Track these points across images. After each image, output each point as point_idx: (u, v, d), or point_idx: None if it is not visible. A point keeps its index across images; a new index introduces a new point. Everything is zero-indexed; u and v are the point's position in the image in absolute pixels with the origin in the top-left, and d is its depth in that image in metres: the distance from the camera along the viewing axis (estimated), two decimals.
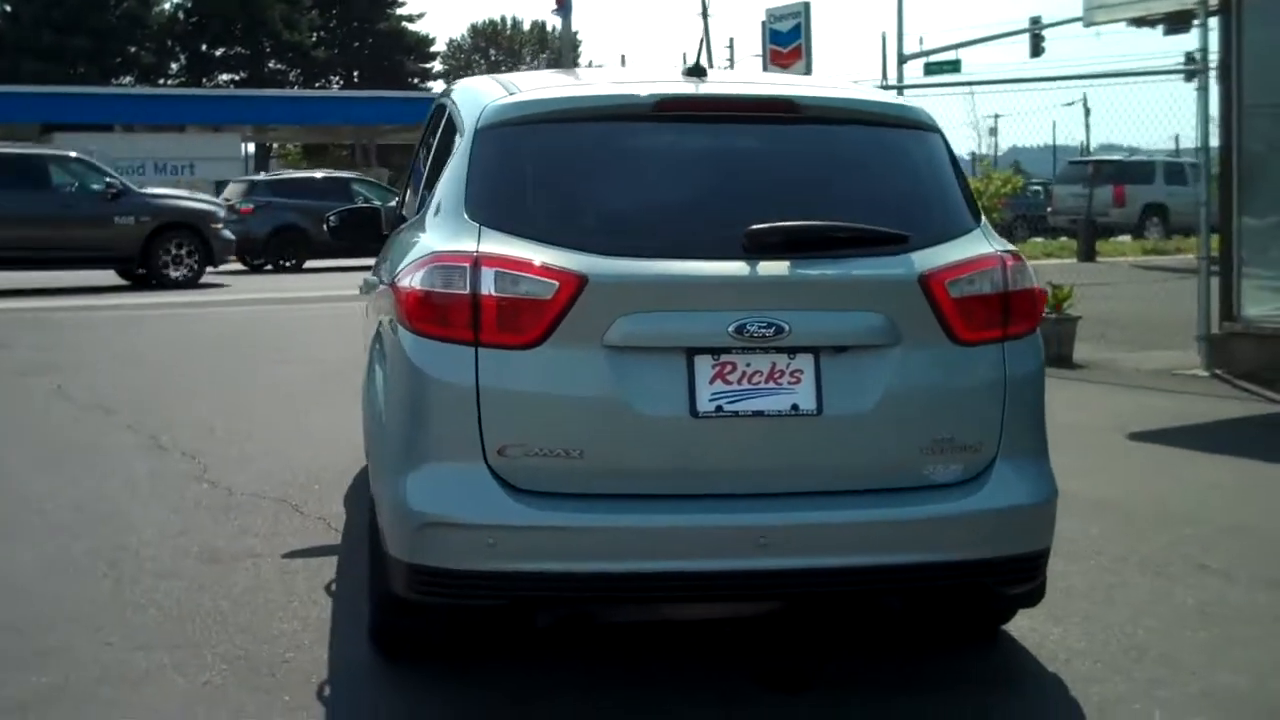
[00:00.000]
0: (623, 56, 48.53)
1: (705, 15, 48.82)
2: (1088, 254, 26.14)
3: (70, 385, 10.62)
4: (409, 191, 6.09)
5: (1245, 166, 11.14)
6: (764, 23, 31.55)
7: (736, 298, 4.01)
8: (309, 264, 26.46)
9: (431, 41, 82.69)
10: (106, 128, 42.55)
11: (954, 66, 26.57)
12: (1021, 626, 4.84)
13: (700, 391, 3.98)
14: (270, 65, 72.65)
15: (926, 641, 4.83)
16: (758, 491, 4.04)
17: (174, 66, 72.04)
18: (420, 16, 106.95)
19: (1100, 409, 9.49)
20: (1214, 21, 11.53)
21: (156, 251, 21.57)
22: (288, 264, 26.87)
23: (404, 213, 5.88)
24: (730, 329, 3.96)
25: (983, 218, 4.45)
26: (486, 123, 4.36)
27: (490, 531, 3.95)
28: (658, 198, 4.34)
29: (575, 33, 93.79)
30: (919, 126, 4.53)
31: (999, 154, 50.50)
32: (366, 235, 6.52)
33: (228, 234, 22.48)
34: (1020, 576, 4.29)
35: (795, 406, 4.01)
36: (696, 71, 4.58)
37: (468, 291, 3.98)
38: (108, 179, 21.89)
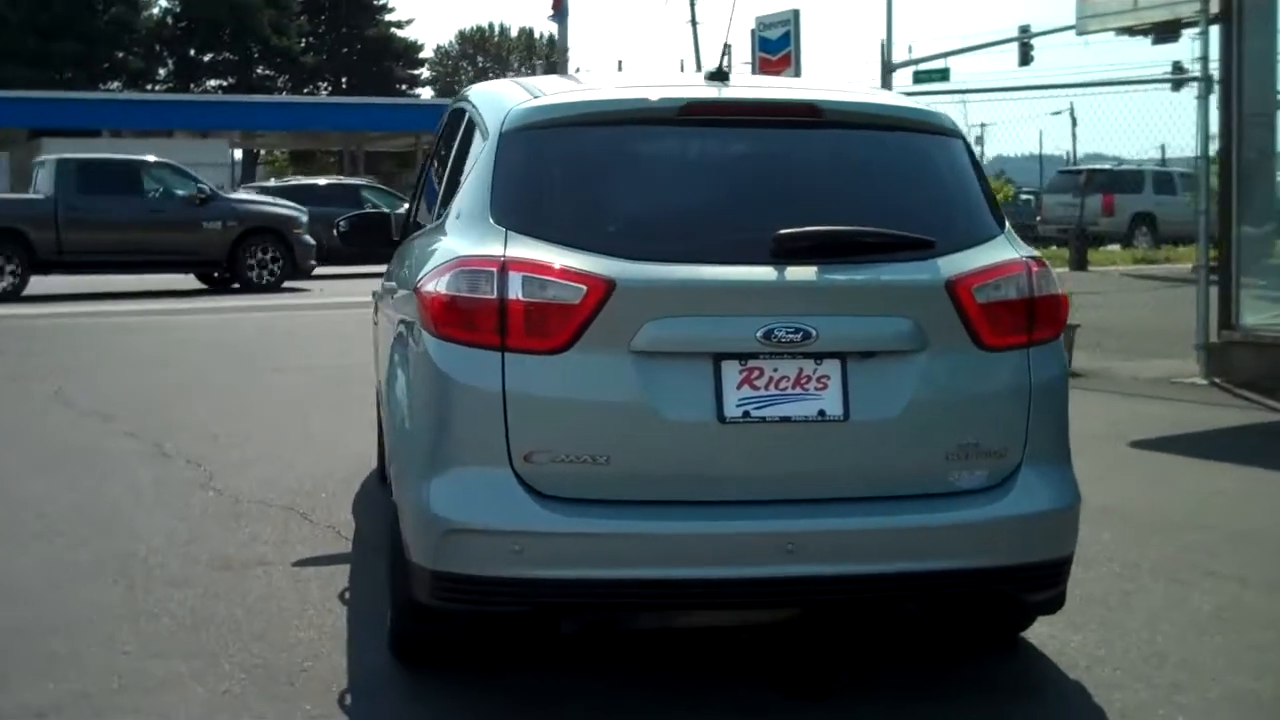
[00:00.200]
0: (619, 63, 48.72)
1: (694, 24, 49.02)
2: (1079, 263, 26.20)
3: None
4: (422, 198, 6.05)
5: (1244, 175, 11.16)
6: (753, 30, 31.60)
7: (764, 302, 4.00)
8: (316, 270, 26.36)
9: (420, 48, 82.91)
10: (94, 133, 42.53)
11: (943, 75, 26.60)
12: (1040, 634, 4.83)
13: (727, 397, 3.97)
14: (258, 71, 72.67)
15: (946, 648, 4.82)
16: (784, 498, 4.03)
17: (162, 72, 72.00)
18: (409, 23, 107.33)
19: (1100, 417, 9.48)
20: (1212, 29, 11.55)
21: (242, 256, 22.05)
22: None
23: (418, 219, 5.86)
24: (758, 334, 3.95)
25: (1006, 223, 4.45)
26: (511, 126, 4.34)
27: (516, 538, 3.93)
28: (684, 202, 4.33)
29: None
30: (942, 131, 4.53)
31: (984, 163, 50.54)
32: (377, 240, 6.51)
33: (309, 239, 22.63)
34: (1044, 583, 4.28)
35: (822, 412, 4.00)
36: (719, 75, 4.58)
37: (495, 296, 3.96)
38: (197, 184, 22.47)
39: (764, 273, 4.02)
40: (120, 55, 68.76)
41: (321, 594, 5.41)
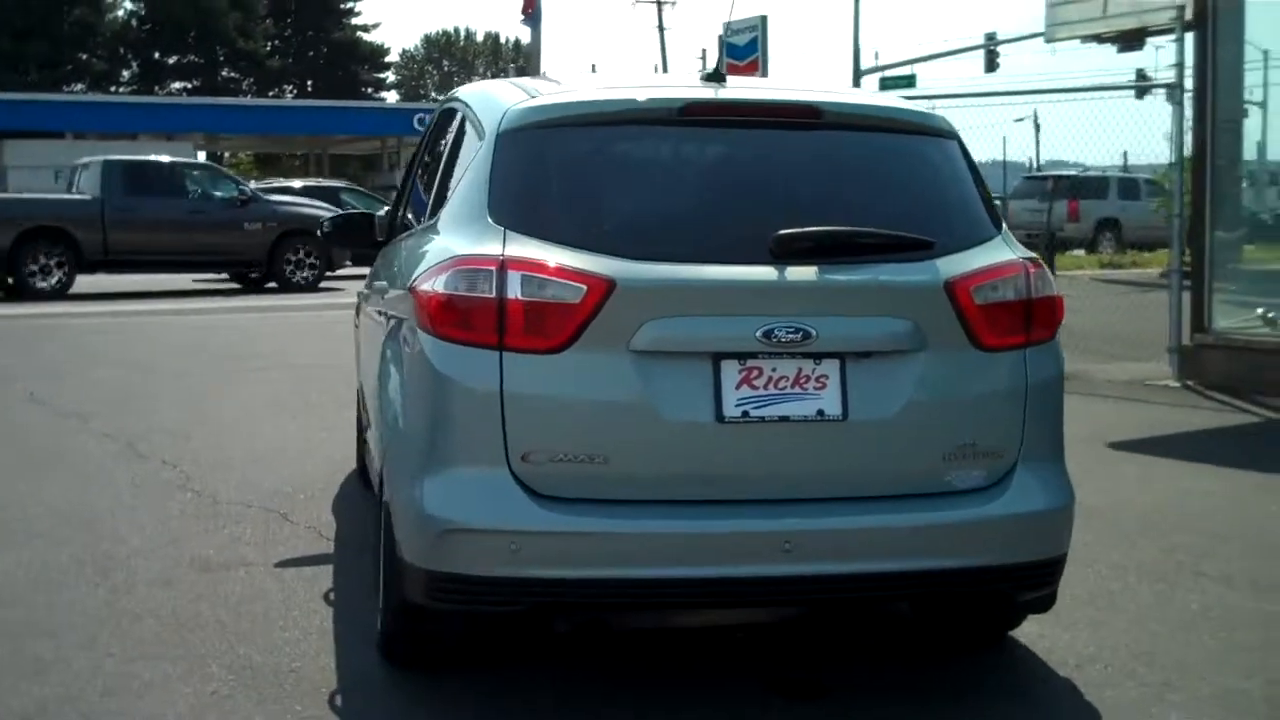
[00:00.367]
0: (593, 65, 48.80)
1: (661, 29, 48.98)
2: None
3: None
4: (409, 198, 6.01)
5: (1217, 181, 11.24)
6: (721, 36, 31.66)
7: (764, 302, 3.99)
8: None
9: (386, 52, 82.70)
10: (58, 135, 42.17)
11: (909, 81, 26.71)
12: (1030, 633, 4.84)
13: (726, 397, 3.96)
14: (223, 74, 72.32)
15: (937, 648, 4.82)
16: (783, 497, 4.03)
17: (126, 74, 71.52)
18: (375, 27, 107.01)
19: (1078, 419, 9.40)
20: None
21: (281, 256, 22.44)
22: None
23: (406, 220, 5.81)
24: (758, 334, 3.94)
25: (1004, 225, 4.46)
26: (509, 126, 4.31)
27: (513, 537, 3.91)
28: (683, 202, 4.32)
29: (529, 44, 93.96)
30: (939, 133, 4.54)
31: None
32: (361, 241, 6.47)
33: None
34: (1039, 582, 4.29)
35: (821, 412, 4.00)
36: (716, 76, 4.56)
37: (493, 295, 3.93)
38: (239, 186, 23.22)
39: (763, 273, 4.01)
40: (84, 57, 68.33)
41: (306, 594, 5.36)
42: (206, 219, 22.12)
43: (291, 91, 75.64)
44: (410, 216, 5.79)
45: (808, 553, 3.98)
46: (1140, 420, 9.52)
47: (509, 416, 3.92)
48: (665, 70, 49.02)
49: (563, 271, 3.93)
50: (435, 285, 4.09)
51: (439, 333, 4.04)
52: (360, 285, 6.87)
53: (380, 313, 5.40)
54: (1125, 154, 33.32)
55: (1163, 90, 21.95)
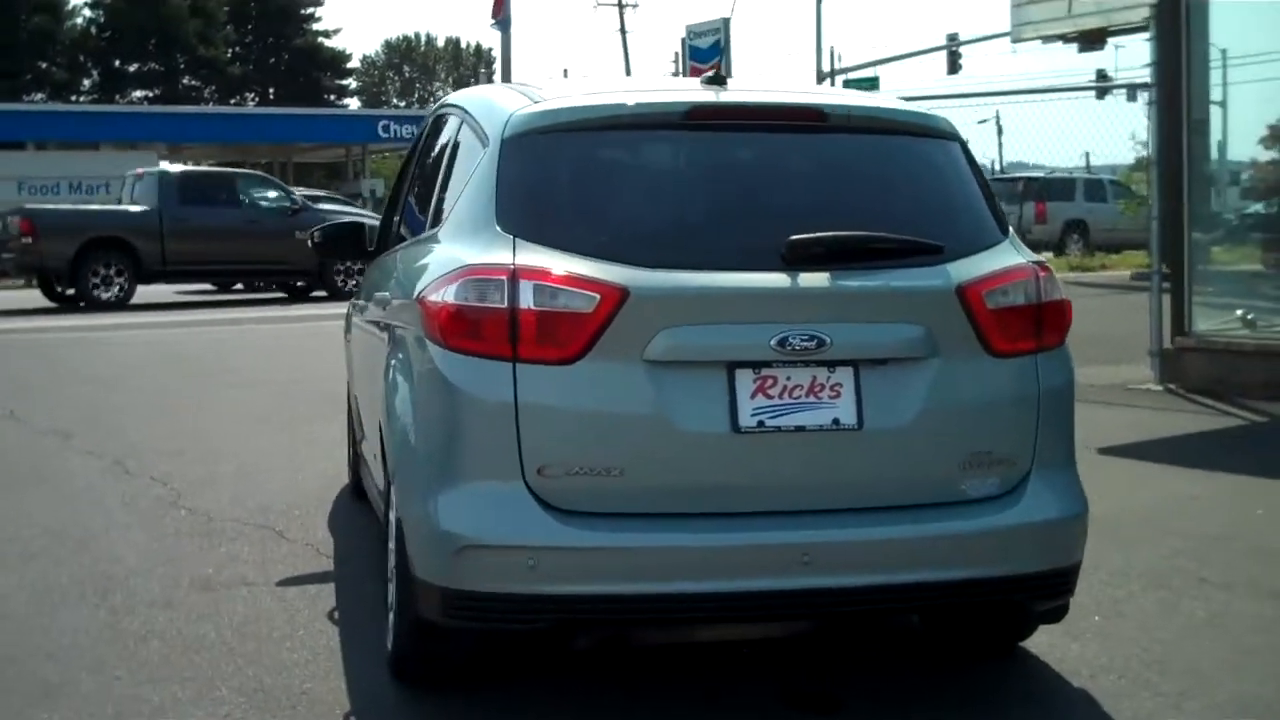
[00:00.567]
0: (565, 70, 48.61)
1: (623, 33, 49.00)
2: None
3: None
4: (402, 208, 5.96)
5: (1194, 182, 11.28)
6: (684, 39, 31.70)
7: (778, 310, 3.97)
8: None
9: (347, 58, 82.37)
10: (19, 145, 41.81)
11: (872, 84, 26.80)
12: (1040, 643, 4.83)
13: (742, 406, 3.93)
14: (185, 81, 71.84)
15: (950, 659, 4.81)
16: (799, 508, 4.00)
17: (86, 83, 70.97)
18: (336, 33, 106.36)
19: None
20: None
21: (331, 265, 22.76)
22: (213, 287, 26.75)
23: (400, 230, 5.77)
24: (772, 342, 3.91)
25: (1010, 229, 4.46)
26: (514, 132, 4.27)
27: (531, 553, 3.87)
28: (692, 207, 4.30)
29: (490, 50, 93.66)
30: (943, 135, 4.52)
31: None
32: (352, 251, 6.43)
33: None
34: (1055, 591, 4.29)
35: (836, 421, 3.98)
36: (717, 80, 4.54)
37: (505, 305, 3.90)
38: (292, 196, 23.63)
39: (777, 279, 3.99)
40: (44, 66, 67.76)
41: (310, 614, 5.31)
42: (260, 228, 22.48)
43: (253, 99, 75.24)
44: (405, 226, 5.74)
45: (826, 565, 3.96)
46: (1126, 424, 9.54)
47: (524, 429, 3.89)
48: (628, 72, 48.84)
49: (575, 280, 3.90)
50: (444, 296, 4.05)
51: (450, 344, 4.00)
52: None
53: (379, 324, 5.34)
54: (1087, 155, 33.62)
55: (1123, 91, 22.11)
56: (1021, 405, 4.19)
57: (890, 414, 4.03)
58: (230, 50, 75.15)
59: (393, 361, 4.64)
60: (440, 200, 4.88)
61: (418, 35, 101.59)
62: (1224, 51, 11.72)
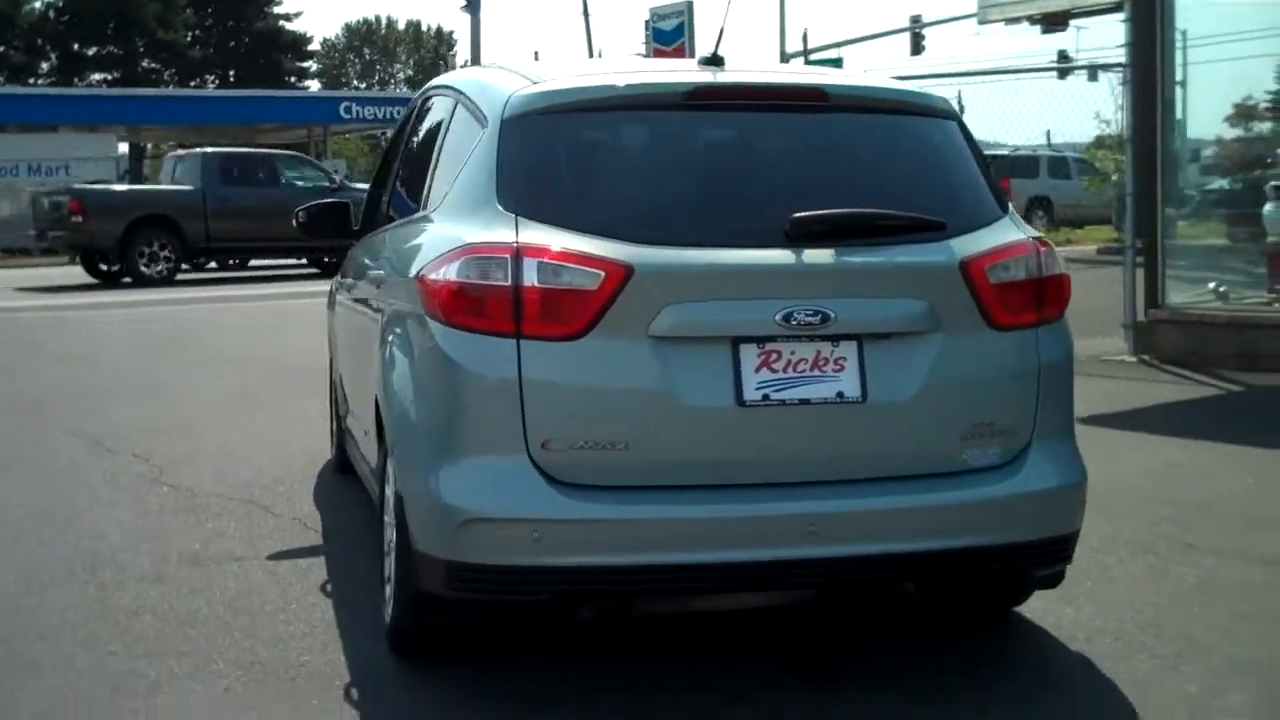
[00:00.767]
0: (536, 53, 48.50)
1: (586, 15, 48.78)
2: None
3: None
4: (392, 188, 5.92)
5: (1167, 158, 11.37)
6: (647, 21, 31.64)
7: (782, 285, 3.98)
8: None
9: (308, 40, 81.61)
10: None
11: (836, 65, 26.87)
12: (1036, 608, 4.86)
13: (746, 381, 3.94)
14: (144, 64, 71.21)
15: (948, 624, 4.84)
16: (804, 480, 4.01)
17: (45, 66, 70.25)
18: (297, 15, 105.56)
19: None
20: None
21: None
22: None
23: (390, 210, 5.73)
24: (777, 317, 3.92)
25: (1009, 205, 4.48)
26: (514, 112, 4.26)
27: (536, 525, 3.87)
28: (694, 186, 4.31)
29: (451, 33, 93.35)
30: (942, 114, 4.54)
31: None
32: (336, 230, 6.40)
33: None
34: (1056, 558, 4.32)
35: (840, 394, 3.99)
36: (714, 61, 4.54)
37: (509, 283, 3.89)
38: (330, 176, 24.28)
39: (781, 256, 4.00)
40: (1, 49, 67.03)
41: (302, 587, 5.30)
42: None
43: (214, 82, 74.62)
44: (394, 207, 5.71)
45: (832, 535, 3.97)
46: (1102, 395, 9.59)
47: (528, 404, 3.88)
48: (590, 54, 48.56)
49: (580, 258, 3.90)
50: (446, 274, 4.04)
51: (452, 321, 3.99)
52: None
53: (369, 303, 5.32)
54: (1048, 133, 33.77)
55: (1084, 72, 22.25)
56: (1022, 378, 4.22)
57: (894, 387, 4.04)
58: (190, 33, 74.46)
59: (389, 339, 4.61)
60: (433, 180, 4.86)
61: (378, 18, 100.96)
62: (1184, 33, 11.82)
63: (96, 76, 70.07)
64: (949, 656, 4.57)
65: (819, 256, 4.01)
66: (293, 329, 14.19)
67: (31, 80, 66.70)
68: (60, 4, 69.09)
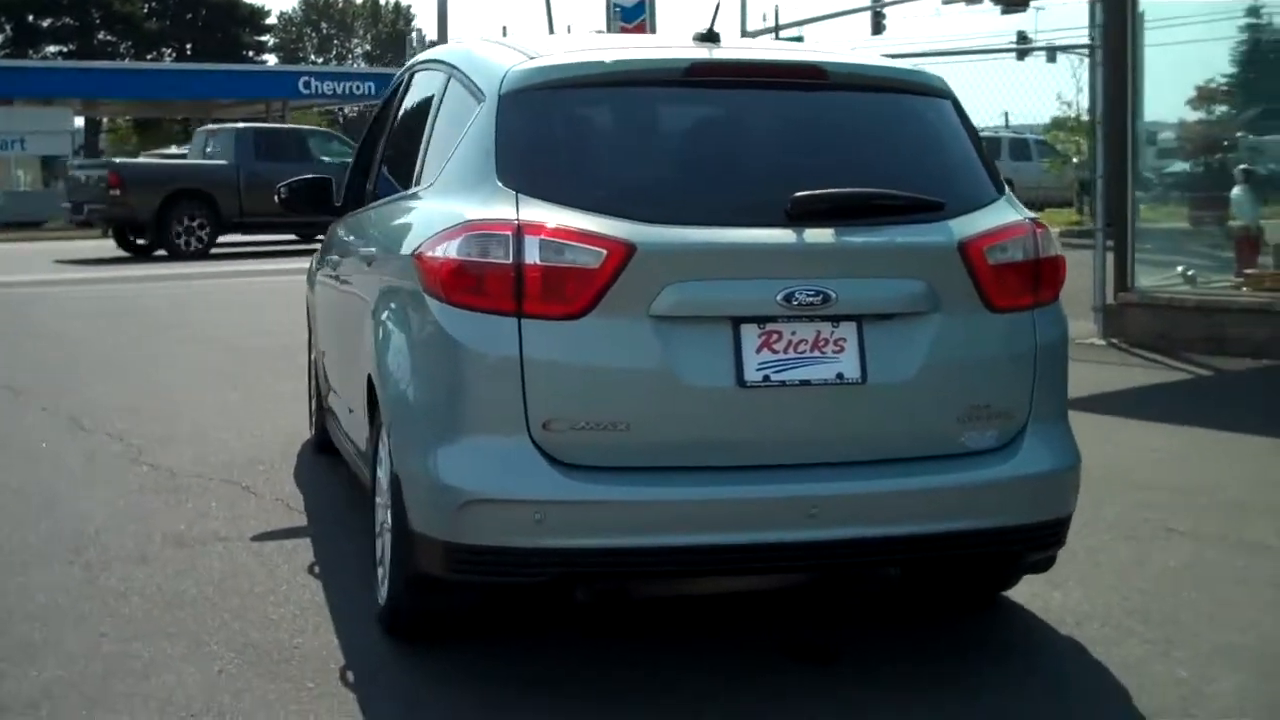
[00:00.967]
0: (504, 28, 48.14)
1: None
2: None
3: None
4: (376, 165, 5.88)
5: (1137, 141, 11.43)
6: None
7: (783, 265, 3.98)
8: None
9: (266, 14, 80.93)
10: None
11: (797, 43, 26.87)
12: (1024, 592, 4.89)
13: (747, 361, 3.93)
14: (100, 36, 70.43)
15: (939, 608, 4.86)
16: (805, 461, 4.01)
17: None
18: None
19: None
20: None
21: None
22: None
23: (377, 187, 5.69)
24: (778, 297, 3.92)
25: (1006, 187, 4.49)
26: (511, 88, 4.23)
27: (537, 507, 3.86)
28: (695, 164, 4.29)
29: (409, 7, 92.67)
30: (939, 94, 4.54)
31: None
32: (319, 206, 6.36)
33: None
34: (1049, 541, 4.34)
35: (840, 375, 3.99)
36: (710, 37, 4.52)
37: (510, 261, 3.87)
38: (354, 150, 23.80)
39: (782, 235, 3.99)
40: None
41: (289, 569, 5.27)
42: None
43: (170, 55, 73.91)
44: (380, 184, 5.68)
45: (832, 517, 3.98)
46: (1074, 378, 9.51)
47: (529, 384, 3.86)
48: (551, 30, 48.14)
49: (582, 235, 3.88)
50: (445, 251, 4.01)
51: (452, 299, 3.97)
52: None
53: (357, 281, 5.28)
54: (1006, 115, 33.87)
55: (1042, 53, 22.37)
56: (1019, 360, 4.23)
57: (893, 368, 4.04)
58: (146, 6, 73.70)
59: (383, 317, 4.57)
60: (426, 157, 4.82)
61: None
62: (1141, 14, 11.87)
63: (52, 49, 69.24)
64: (942, 640, 4.59)
65: (820, 236, 4.01)
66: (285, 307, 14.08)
67: None
68: None
